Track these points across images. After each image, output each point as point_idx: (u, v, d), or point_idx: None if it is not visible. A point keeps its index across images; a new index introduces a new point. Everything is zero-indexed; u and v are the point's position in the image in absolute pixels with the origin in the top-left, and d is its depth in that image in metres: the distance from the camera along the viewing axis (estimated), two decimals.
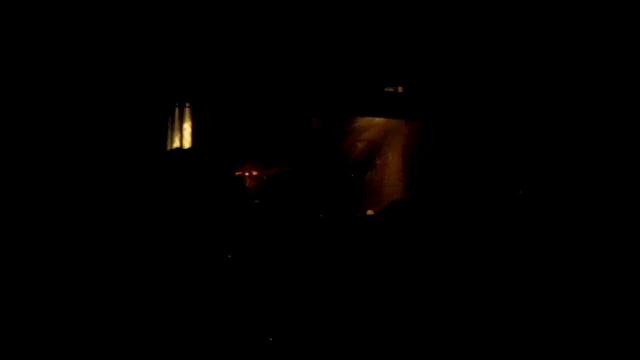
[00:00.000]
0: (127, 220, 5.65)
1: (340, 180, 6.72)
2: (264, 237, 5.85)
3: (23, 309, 4.24)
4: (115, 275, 4.86)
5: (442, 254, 5.35)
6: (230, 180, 6.23)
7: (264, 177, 6.65)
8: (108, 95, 5.96)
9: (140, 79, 5.99)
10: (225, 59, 6.17)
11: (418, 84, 6.20)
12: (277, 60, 6.20)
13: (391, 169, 6.61)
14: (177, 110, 6.45)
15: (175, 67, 6.05)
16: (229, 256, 5.44)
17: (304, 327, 4.47)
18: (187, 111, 6.46)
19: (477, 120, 5.80)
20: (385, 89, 6.42)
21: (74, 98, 5.82)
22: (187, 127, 6.46)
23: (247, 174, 6.67)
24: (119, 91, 6.00)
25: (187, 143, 6.44)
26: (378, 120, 6.69)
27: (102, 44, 5.81)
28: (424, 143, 6.29)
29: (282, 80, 6.26)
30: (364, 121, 6.75)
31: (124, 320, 4.29)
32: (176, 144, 6.44)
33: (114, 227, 5.52)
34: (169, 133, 6.49)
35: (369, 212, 6.56)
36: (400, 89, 6.42)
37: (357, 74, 6.27)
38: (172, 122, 6.45)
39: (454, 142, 6.04)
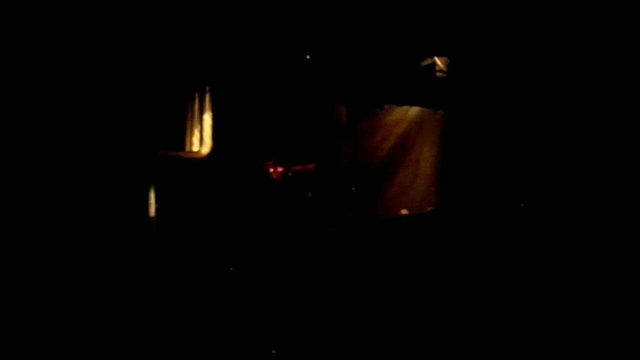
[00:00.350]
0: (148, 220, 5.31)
1: (368, 179, 6.27)
2: (291, 239, 5.65)
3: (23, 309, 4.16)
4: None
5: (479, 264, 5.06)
6: (257, 177, 5.87)
7: (290, 174, 6.19)
8: (118, 81, 5.45)
9: (154, 62, 5.48)
10: (246, 37, 5.63)
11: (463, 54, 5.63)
12: (301, 36, 5.68)
13: (425, 166, 6.14)
14: (196, 98, 5.93)
15: (193, 48, 5.51)
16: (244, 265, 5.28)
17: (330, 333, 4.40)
18: (207, 99, 5.94)
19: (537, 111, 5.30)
20: (422, 62, 5.87)
21: (76, 84, 5.30)
22: (207, 118, 5.94)
23: (271, 170, 6.22)
24: (130, 78, 5.50)
25: (207, 137, 5.93)
26: (411, 113, 6.20)
27: (108, 19, 5.25)
28: (464, 139, 5.79)
29: (306, 59, 5.74)
30: (394, 114, 6.25)
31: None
32: (196, 137, 5.93)
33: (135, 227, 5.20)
34: (188, 124, 5.99)
35: (403, 211, 6.15)
36: (439, 63, 5.83)
37: (390, 45, 5.71)
38: (192, 112, 5.94)
39: (502, 139, 5.55)
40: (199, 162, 6.05)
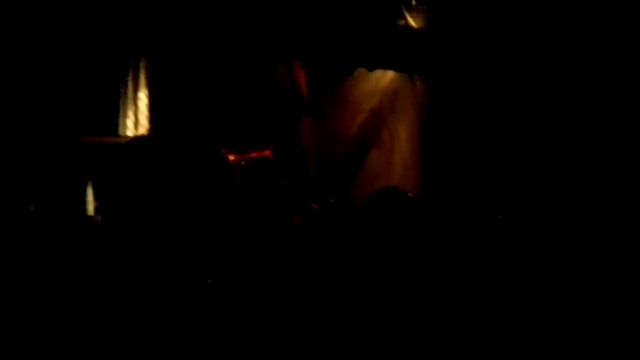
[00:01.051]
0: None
1: (336, 163, 5.53)
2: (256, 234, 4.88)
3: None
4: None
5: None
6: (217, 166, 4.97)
7: (243, 163, 5.28)
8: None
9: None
10: None
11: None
12: None
13: (402, 146, 5.53)
14: (130, 72, 4.83)
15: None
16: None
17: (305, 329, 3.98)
18: (142, 73, 4.86)
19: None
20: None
21: None
22: (143, 96, 4.87)
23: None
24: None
25: (143, 117, 4.85)
26: (383, 83, 5.56)
27: None
28: (448, 110, 5.18)
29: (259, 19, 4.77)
30: (364, 86, 5.58)
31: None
32: (130, 119, 4.83)
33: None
34: (121, 105, 4.88)
35: None
36: (411, 21, 5.13)
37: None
38: (125, 90, 4.83)
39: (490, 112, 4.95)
40: (126, 148, 5.06)
